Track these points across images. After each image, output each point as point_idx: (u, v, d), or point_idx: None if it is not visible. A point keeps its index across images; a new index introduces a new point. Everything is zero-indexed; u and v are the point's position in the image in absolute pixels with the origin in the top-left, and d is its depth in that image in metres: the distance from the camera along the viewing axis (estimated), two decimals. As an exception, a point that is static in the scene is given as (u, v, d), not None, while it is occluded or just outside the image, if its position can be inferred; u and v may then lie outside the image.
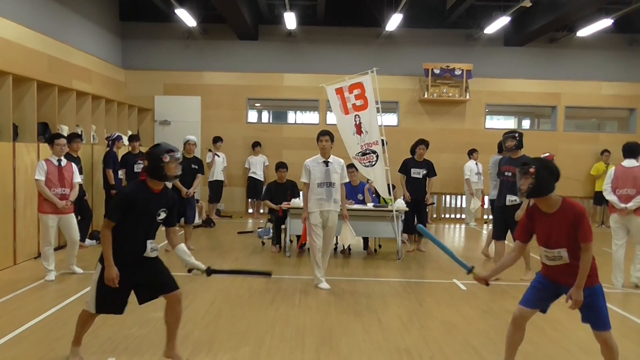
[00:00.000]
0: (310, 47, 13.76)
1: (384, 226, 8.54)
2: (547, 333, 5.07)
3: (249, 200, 13.58)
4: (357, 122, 8.43)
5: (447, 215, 14.02)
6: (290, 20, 12.11)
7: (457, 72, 13.35)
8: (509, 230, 7.14)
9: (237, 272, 3.91)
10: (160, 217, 4.05)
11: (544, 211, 3.75)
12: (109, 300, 3.99)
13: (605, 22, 11.53)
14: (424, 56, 13.52)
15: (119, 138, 9.95)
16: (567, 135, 13.98)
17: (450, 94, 13.55)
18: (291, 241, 8.95)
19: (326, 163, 6.72)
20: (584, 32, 12.54)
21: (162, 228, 4.19)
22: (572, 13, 11.47)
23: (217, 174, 12.47)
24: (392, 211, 8.39)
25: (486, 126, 14.03)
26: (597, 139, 13.95)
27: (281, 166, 9.44)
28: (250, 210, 13.72)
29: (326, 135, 6.73)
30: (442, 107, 13.82)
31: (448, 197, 13.98)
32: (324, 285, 6.67)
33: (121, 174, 9.88)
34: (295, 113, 16.13)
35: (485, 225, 12.53)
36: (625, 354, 4.31)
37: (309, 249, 7.09)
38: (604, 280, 6.84)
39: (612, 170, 7.07)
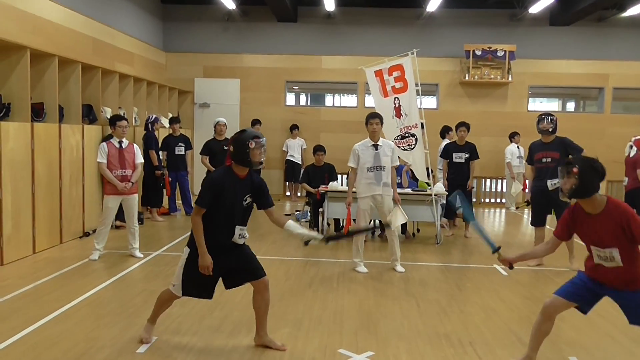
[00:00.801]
0: (350, 28, 13.60)
1: (423, 210, 8.44)
2: (593, 320, 4.91)
3: (287, 183, 13.64)
4: (397, 105, 8.30)
5: (487, 200, 13.79)
6: (329, 1, 12.00)
7: (500, 54, 13.01)
8: (555, 214, 6.95)
9: (350, 235, 4.13)
10: (247, 203, 4.01)
11: (587, 212, 3.53)
12: (196, 284, 3.99)
13: (658, 0, 11.08)
14: (465, 37, 13.22)
15: (157, 120, 10.09)
16: (614, 118, 13.50)
17: (492, 76, 13.24)
18: (329, 224, 8.94)
19: (375, 147, 6.63)
20: (634, 10, 12.04)
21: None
22: (622, -10, 11.04)
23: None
24: (431, 195, 8.29)
25: (529, 109, 13.67)
26: (646, 121, 13.46)
27: (319, 149, 9.41)
28: (287, 193, 13.78)
29: (376, 119, 6.64)
30: (483, 90, 13.52)
31: (488, 181, 13.74)
32: (362, 269, 6.66)
33: (162, 156, 10.04)
34: (334, 96, 16.07)
35: (526, 210, 12.27)
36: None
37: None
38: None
39: None
